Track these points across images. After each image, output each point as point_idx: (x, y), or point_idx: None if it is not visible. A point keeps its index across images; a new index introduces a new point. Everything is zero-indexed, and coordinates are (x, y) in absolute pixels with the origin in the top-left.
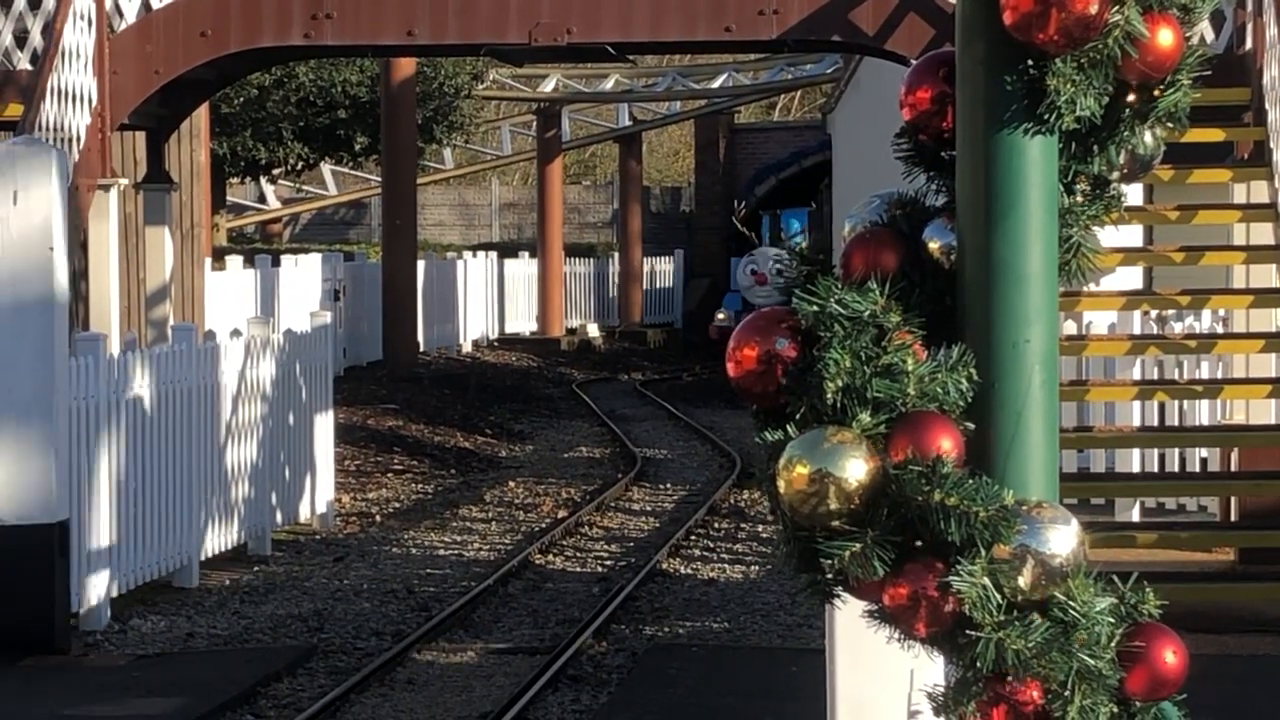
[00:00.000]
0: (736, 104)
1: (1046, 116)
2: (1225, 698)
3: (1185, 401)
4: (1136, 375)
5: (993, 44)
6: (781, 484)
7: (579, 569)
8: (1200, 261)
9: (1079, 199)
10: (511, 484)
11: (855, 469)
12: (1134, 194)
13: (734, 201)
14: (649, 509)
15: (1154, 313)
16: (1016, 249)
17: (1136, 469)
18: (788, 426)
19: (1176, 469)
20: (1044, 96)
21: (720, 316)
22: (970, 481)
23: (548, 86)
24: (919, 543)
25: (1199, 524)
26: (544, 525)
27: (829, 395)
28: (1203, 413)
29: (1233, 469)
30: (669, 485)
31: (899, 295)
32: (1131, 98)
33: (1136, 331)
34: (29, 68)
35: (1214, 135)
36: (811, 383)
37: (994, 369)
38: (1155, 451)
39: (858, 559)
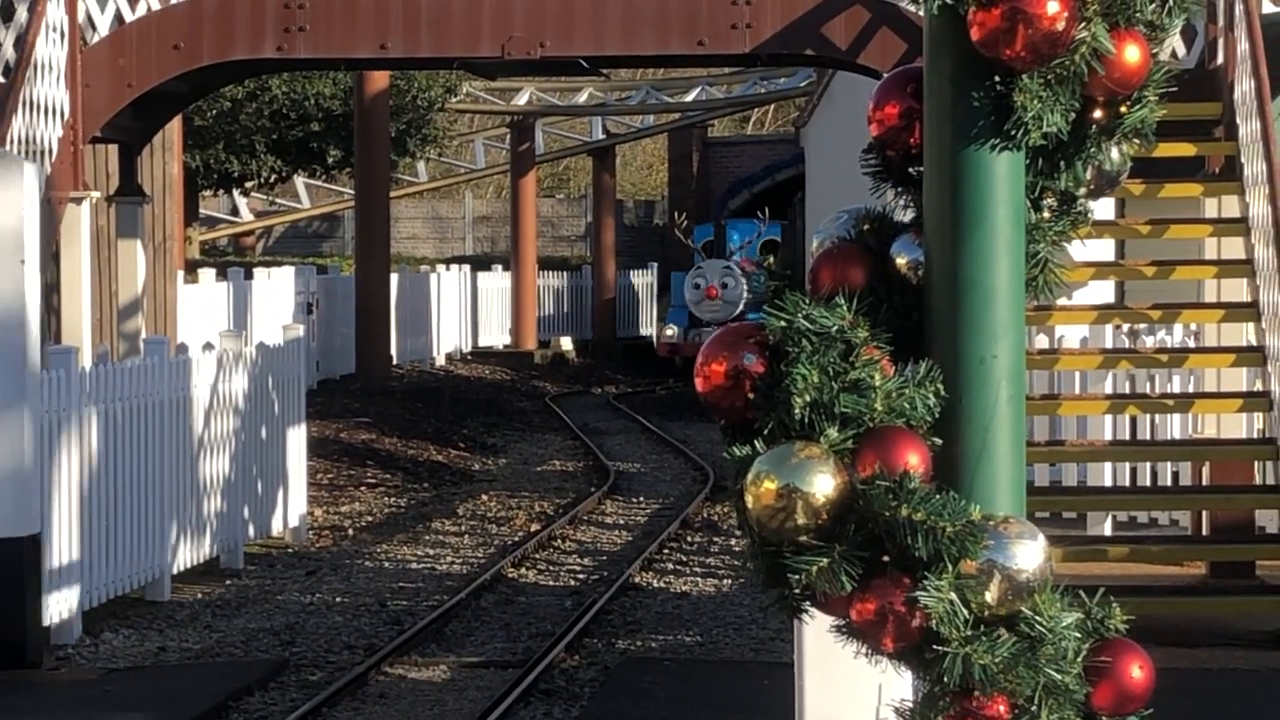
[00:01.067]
0: (710, 117)
1: (1013, 132)
2: (1197, 712)
3: (1157, 415)
4: (1108, 389)
5: (960, 60)
6: (749, 499)
7: (552, 582)
8: (1171, 276)
9: (1046, 215)
10: (484, 497)
11: (823, 484)
12: (1105, 208)
13: (675, 214)
14: (622, 522)
15: (1125, 327)
16: (983, 265)
17: (1108, 483)
18: (755, 442)
19: (1148, 483)
20: (1011, 112)
21: (668, 333)
22: (937, 497)
23: (521, 100)
24: (886, 558)
25: (1170, 538)
26: (517, 539)
27: (797, 410)
28: (1174, 427)
29: (1204, 483)
30: (642, 498)
31: (866, 311)
32: (1098, 114)
33: (1108, 346)
34: (1, 80)
35: (1185, 150)
36: (779, 398)
37: (961, 384)
38: (1127, 465)
39: (825, 574)
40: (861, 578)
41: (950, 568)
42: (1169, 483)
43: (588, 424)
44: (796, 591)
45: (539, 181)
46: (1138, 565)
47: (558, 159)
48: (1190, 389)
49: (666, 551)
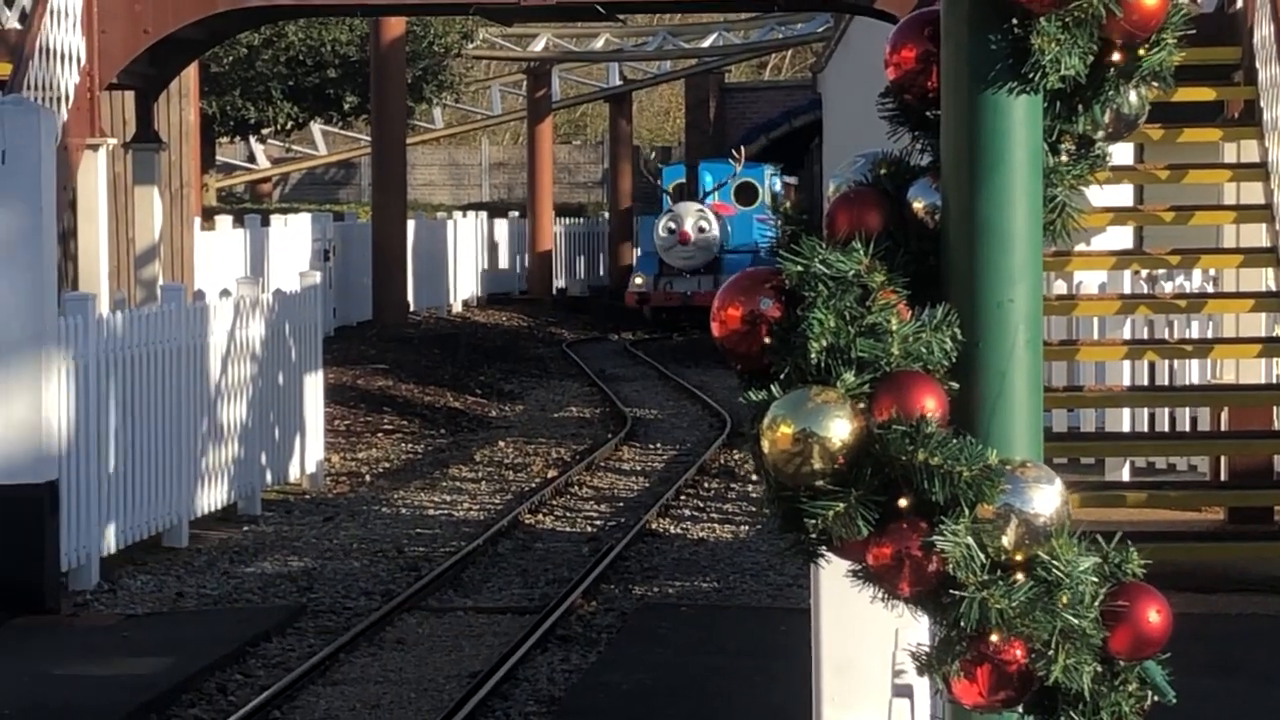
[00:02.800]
0: (727, 63)
1: (1031, 76)
2: (1214, 656)
3: (1175, 361)
4: (1126, 335)
5: (977, 3)
6: (766, 444)
7: (569, 529)
8: (1190, 221)
9: (1064, 158)
10: (501, 444)
11: (839, 429)
12: (1124, 154)
13: (643, 153)
14: (639, 469)
15: (1144, 272)
16: (1001, 208)
17: (1126, 428)
18: (772, 387)
19: (1166, 428)
20: (1028, 56)
21: (637, 282)
22: (954, 441)
23: (538, 46)
24: (903, 502)
25: (1188, 483)
26: (534, 485)
27: (813, 355)
28: (1193, 372)
29: (1222, 428)
30: (659, 445)
31: (883, 255)
32: (1116, 57)
33: (1127, 291)
34: (18, 26)
35: (1204, 94)
36: (796, 343)
37: (978, 328)
38: (1145, 411)
39: (841, 519)
40: (878, 522)
41: (967, 512)
42: (1187, 428)
43: (604, 370)
44: (813, 536)
45: (555, 128)
46: (1156, 511)
47: (574, 105)
48: (1209, 334)
49: (683, 498)
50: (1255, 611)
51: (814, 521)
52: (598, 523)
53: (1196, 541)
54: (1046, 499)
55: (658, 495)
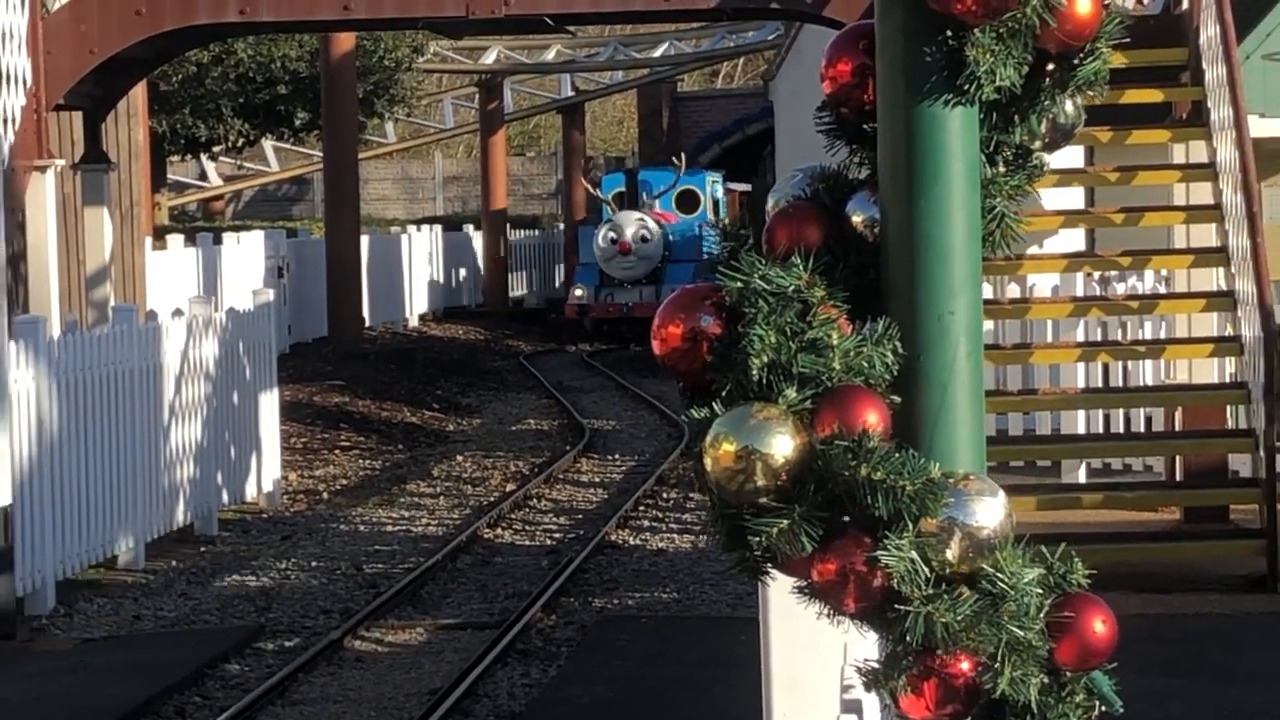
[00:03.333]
0: (679, 72)
1: (966, 87)
2: (1171, 656)
3: (1129, 362)
4: (1080, 337)
5: (911, 15)
6: (708, 461)
7: (528, 542)
8: (1141, 222)
9: (1001, 169)
10: (459, 458)
11: (781, 445)
12: (1074, 156)
13: (585, 162)
14: (597, 480)
15: (1096, 274)
16: (939, 221)
17: (1082, 430)
18: (714, 404)
19: (1121, 430)
20: (963, 67)
21: (577, 293)
22: (897, 455)
23: (489, 58)
24: (846, 518)
25: (1144, 484)
26: (493, 499)
27: (754, 372)
28: (1146, 373)
29: (1177, 428)
30: (617, 456)
31: (823, 270)
32: (1051, 67)
33: (1079, 293)
34: None
35: (1152, 96)
36: (737, 359)
37: (919, 342)
38: (1100, 412)
39: (785, 535)
40: (822, 538)
41: (911, 526)
42: (1142, 429)
43: (562, 382)
44: (758, 554)
45: (509, 140)
46: (1112, 512)
47: (527, 117)
48: (1162, 335)
49: (642, 509)
50: (1212, 610)
51: (758, 539)
52: (557, 535)
53: (1153, 542)
54: (990, 511)
55: (616, 506)
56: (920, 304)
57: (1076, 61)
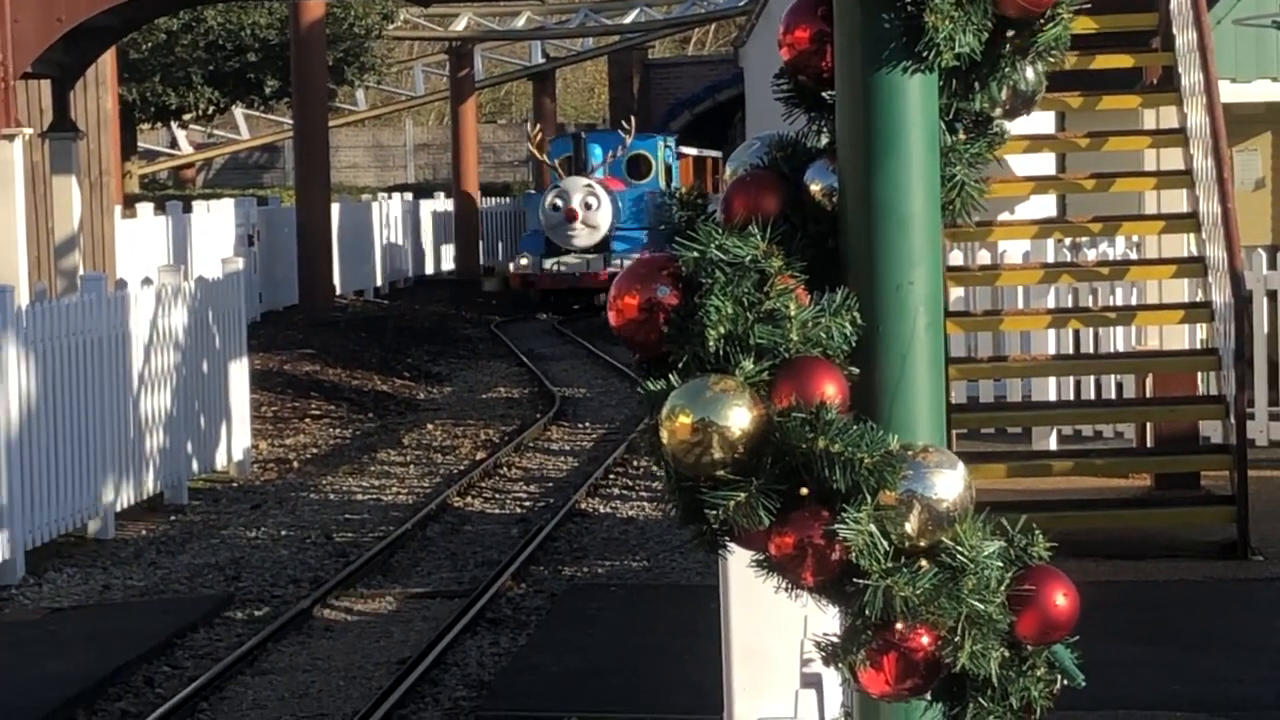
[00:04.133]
0: (650, 39)
1: (925, 54)
2: (1144, 622)
3: (1099, 329)
4: (1051, 303)
5: None
6: (665, 434)
7: (498, 510)
8: (1112, 188)
9: (961, 136)
10: (430, 426)
11: (738, 417)
12: (1045, 122)
13: (529, 126)
14: (568, 448)
15: (1067, 241)
16: (898, 190)
17: (1052, 397)
18: (670, 376)
19: (1092, 396)
20: (922, 34)
21: (522, 263)
22: (855, 428)
23: (459, 25)
24: (804, 491)
25: (1115, 451)
26: (462, 468)
27: (711, 343)
28: (1117, 339)
29: (1147, 395)
30: (588, 424)
31: (781, 239)
32: (1012, 33)
33: (1050, 260)
34: None
35: (1123, 61)
36: (693, 330)
37: (878, 312)
38: (1070, 379)
39: (742, 509)
40: (779, 512)
41: (869, 499)
42: (1113, 396)
43: (533, 350)
44: (714, 527)
45: (480, 107)
46: (1083, 479)
47: (498, 84)
48: (1133, 301)
49: (612, 477)
50: (1183, 577)
51: (715, 512)
52: (527, 504)
53: (1124, 508)
54: (949, 484)
55: (587, 475)
56: (879, 274)
57: (1037, 27)
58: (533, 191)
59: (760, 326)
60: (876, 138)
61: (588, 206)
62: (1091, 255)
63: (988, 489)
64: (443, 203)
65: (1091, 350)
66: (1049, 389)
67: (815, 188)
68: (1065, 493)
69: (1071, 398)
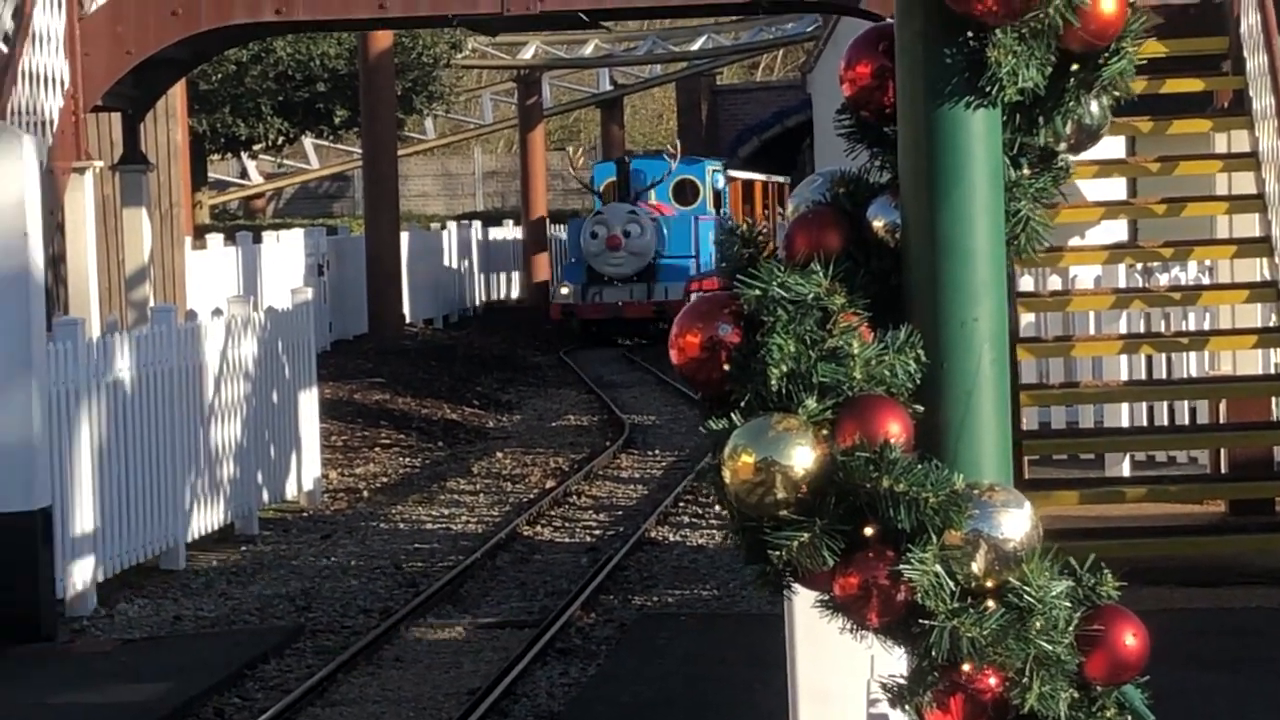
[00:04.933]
0: (717, 65)
1: (988, 89)
2: (1221, 650)
3: (1172, 354)
4: (1123, 329)
5: (931, 16)
6: (727, 474)
7: (567, 539)
8: (1183, 213)
9: (1026, 171)
10: (499, 455)
11: (802, 457)
12: (1116, 147)
13: (570, 150)
14: (637, 476)
15: (1138, 265)
16: (962, 225)
17: (1125, 423)
18: (732, 415)
19: (1165, 422)
20: (985, 69)
21: (563, 292)
22: (920, 466)
23: (527, 54)
24: (869, 531)
25: (1189, 477)
26: (532, 496)
27: (773, 381)
28: (1190, 364)
29: (1221, 420)
30: (657, 451)
31: (843, 276)
32: (1076, 67)
33: (1122, 285)
34: (2, 49)
35: (1193, 85)
36: (755, 369)
37: (942, 349)
38: (1143, 405)
39: (806, 549)
40: (844, 552)
41: (934, 539)
42: (1186, 421)
43: (602, 377)
44: (778, 567)
45: (548, 134)
46: (1157, 505)
47: (566, 111)
48: (1205, 326)
49: (682, 505)
50: (1260, 604)
51: (779, 552)
52: (596, 532)
53: (1198, 535)
54: (1016, 523)
55: (656, 503)
56: (943, 310)
57: (1101, 61)
58: (575, 218)
59: (823, 364)
60: (940, 173)
61: (629, 234)
62: (1163, 280)
63: (1060, 516)
64: (511, 230)
65: (1164, 375)
66: (1121, 415)
67: (878, 224)
68: (1139, 519)
69: (1144, 423)
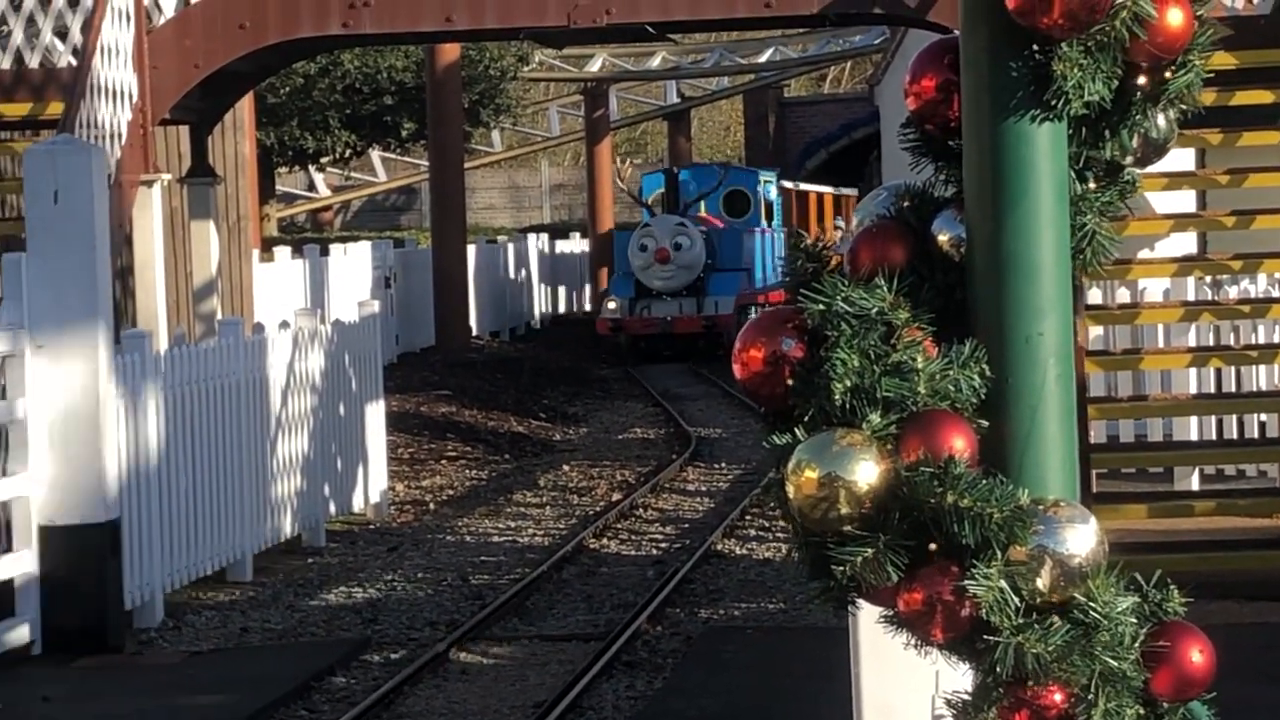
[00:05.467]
0: (785, 77)
1: (1054, 103)
2: None
3: (1242, 367)
4: (1191, 341)
5: (996, 30)
6: (791, 489)
7: (633, 552)
8: (1253, 225)
9: (1092, 185)
10: (565, 467)
11: (865, 472)
12: (1185, 159)
13: (618, 161)
14: (704, 489)
15: (1208, 278)
16: (1027, 240)
17: (1194, 436)
18: (796, 429)
19: (1235, 435)
20: (1051, 82)
21: (610, 306)
22: (984, 482)
23: (594, 66)
24: (933, 546)
25: (1259, 490)
26: (598, 509)
27: (837, 396)
28: (1260, 378)
29: None
30: (724, 464)
31: (908, 291)
32: (1142, 80)
33: (1191, 297)
34: (72, 62)
35: (1263, 97)
36: (819, 384)
37: (1007, 364)
38: (1212, 418)
39: (870, 565)
40: (908, 567)
41: (999, 555)
42: (1256, 434)
43: (668, 390)
44: (842, 583)
45: (615, 147)
46: (1226, 519)
47: (633, 124)
48: (1275, 339)
49: (749, 518)
50: None
51: (842, 568)
52: (662, 545)
53: (1268, 549)
54: (1081, 539)
55: (723, 515)
56: (1008, 325)
57: (1168, 74)
58: (623, 230)
59: (887, 379)
60: (1005, 187)
61: (678, 247)
62: (1233, 292)
63: (1128, 529)
64: (578, 243)
65: (1233, 389)
66: (1190, 428)
67: (943, 238)
68: (1208, 533)
69: (1213, 437)
